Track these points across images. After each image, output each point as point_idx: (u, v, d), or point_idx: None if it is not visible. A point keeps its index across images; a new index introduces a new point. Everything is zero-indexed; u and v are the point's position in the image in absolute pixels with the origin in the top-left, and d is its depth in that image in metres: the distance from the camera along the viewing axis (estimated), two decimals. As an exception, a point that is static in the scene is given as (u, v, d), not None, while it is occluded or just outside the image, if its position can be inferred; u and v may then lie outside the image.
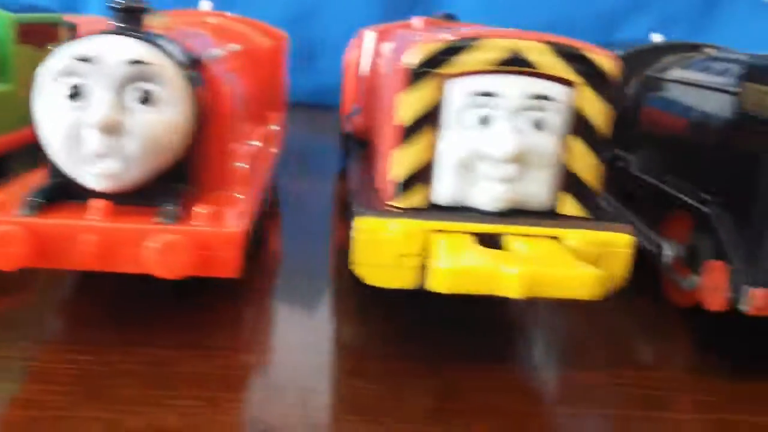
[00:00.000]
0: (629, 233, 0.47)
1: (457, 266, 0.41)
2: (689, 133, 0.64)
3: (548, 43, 0.46)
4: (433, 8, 1.50)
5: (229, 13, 0.83)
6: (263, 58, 0.75)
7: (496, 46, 0.46)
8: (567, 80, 0.46)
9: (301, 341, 0.53)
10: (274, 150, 0.77)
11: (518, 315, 0.60)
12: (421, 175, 0.47)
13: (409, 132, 0.47)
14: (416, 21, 0.61)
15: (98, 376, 0.46)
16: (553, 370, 0.52)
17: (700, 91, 0.65)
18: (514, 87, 0.46)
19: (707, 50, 0.76)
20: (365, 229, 0.46)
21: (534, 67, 0.46)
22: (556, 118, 0.47)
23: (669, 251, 0.60)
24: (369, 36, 0.72)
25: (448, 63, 0.46)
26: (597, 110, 0.47)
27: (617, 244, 0.47)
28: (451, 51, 0.46)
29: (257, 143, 0.66)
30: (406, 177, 0.47)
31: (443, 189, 0.48)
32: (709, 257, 0.54)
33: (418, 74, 0.46)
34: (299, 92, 1.40)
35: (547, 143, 0.47)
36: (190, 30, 0.66)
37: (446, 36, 0.46)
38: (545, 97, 0.46)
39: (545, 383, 0.50)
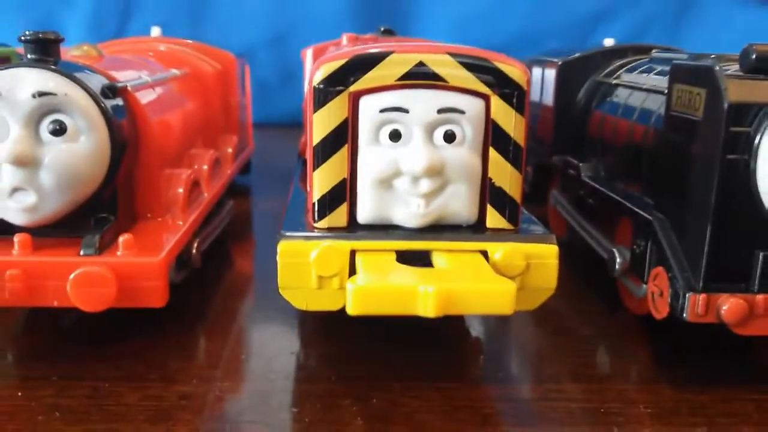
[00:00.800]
0: (555, 244, 0.46)
1: (369, 286, 0.40)
2: (632, 137, 0.63)
3: (455, 54, 0.45)
4: (406, 22, 1.50)
5: (177, 38, 0.83)
6: (209, 82, 0.75)
7: (403, 61, 0.45)
8: (478, 92, 0.46)
9: (245, 369, 0.52)
10: (227, 172, 0.76)
11: (471, 327, 0.59)
12: (342, 195, 0.47)
13: (325, 151, 0.46)
14: (345, 38, 0.60)
15: (31, 411, 0.45)
16: (500, 385, 0.51)
17: (641, 93, 0.64)
18: (423, 101, 0.45)
19: (656, 52, 0.75)
20: (286, 252, 0.45)
21: (442, 80, 0.45)
22: (470, 130, 0.46)
23: (620, 259, 0.59)
24: (308, 55, 0.72)
25: (355, 79, 0.45)
26: (510, 121, 0.46)
27: (544, 256, 0.46)
28: (355, 67, 0.45)
29: (203, 167, 0.66)
30: (326, 197, 0.47)
31: (365, 207, 0.47)
32: (655, 264, 0.53)
33: (324, 92, 0.45)
34: (287, 112, 1.40)
35: (463, 157, 0.46)
36: (125, 58, 0.65)
37: (351, 51, 0.45)
38: (456, 110, 0.45)
39: (490, 401, 0.49)
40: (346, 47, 0.53)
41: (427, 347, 0.55)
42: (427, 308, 0.40)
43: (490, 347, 0.57)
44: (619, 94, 0.70)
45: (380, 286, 0.40)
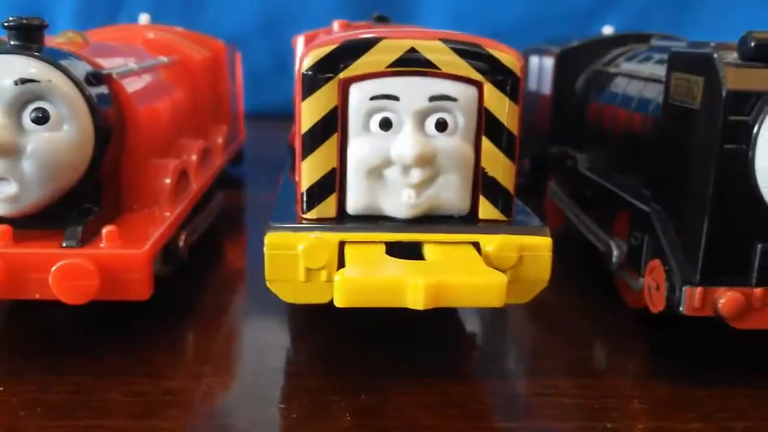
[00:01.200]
0: (547, 236, 0.45)
1: (357, 278, 0.39)
2: (630, 127, 0.62)
3: (448, 41, 0.44)
4: (404, 9, 1.48)
5: (166, 26, 0.81)
6: (198, 70, 0.73)
7: (394, 47, 0.44)
8: (471, 79, 0.44)
9: (234, 364, 0.51)
10: (216, 162, 0.75)
11: (465, 322, 0.58)
12: (332, 185, 0.45)
13: (314, 140, 0.45)
14: (336, 24, 0.59)
15: (14, 407, 0.44)
16: (494, 381, 0.50)
17: (639, 82, 0.63)
18: (415, 88, 0.44)
19: (655, 40, 0.74)
20: (274, 244, 0.44)
21: (434, 67, 0.44)
22: (462, 118, 0.44)
23: (616, 251, 0.58)
24: (299, 42, 0.71)
25: (345, 66, 0.44)
26: (504, 109, 0.45)
27: (537, 248, 0.45)
28: (345, 53, 0.44)
29: (192, 157, 0.65)
30: (315, 187, 0.45)
31: (355, 198, 0.46)
32: (652, 257, 0.52)
33: (313, 79, 0.44)
34: (283, 102, 1.37)
35: (455, 145, 0.44)
36: (111, 45, 0.64)
37: (341, 37, 0.44)
38: (448, 98, 0.44)
39: (482, 396, 0.48)
40: (336, 33, 0.51)
41: (420, 342, 0.54)
42: (417, 301, 0.39)
43: (484, 342, 0.56)
44: (617, 83, 0.68)
45: (368, 278, 0.39)
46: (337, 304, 0.40)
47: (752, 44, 0.46)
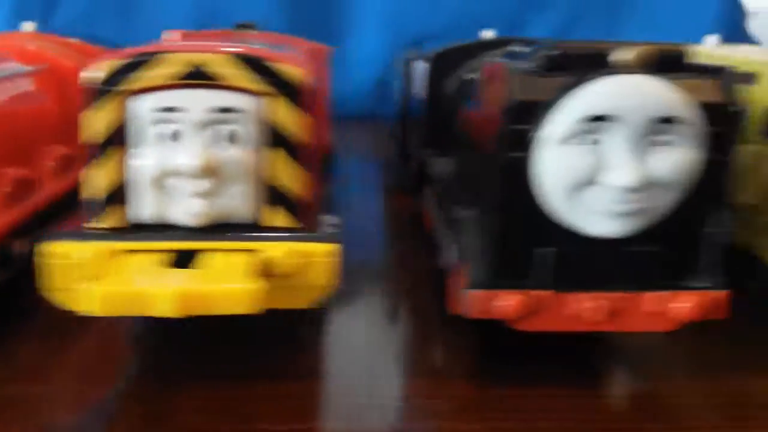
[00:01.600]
0: (332, 242, 0.46)
1: (107, 289, 0.41)
2: (471, 133, 0.63)
3: (231, 55, 0.45)
4: (337, 12, 1.49)
5: (51, 35, 0.83)
6: (71, 78, 0.74)
7: (177, 61, 0.45)
8: (258, 91, 0.46)
9: (64, 372, 0.51)
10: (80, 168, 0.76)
11: (305, 323, 0.58)
12: (118, 194, 0.46)
13: (100, 151, 0.46)
14: (168, 34, 0.60)
15: None
16: (321, 381, 0.51)
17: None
18: (198, 101, 0.45)
19: (512, 46, 0.74)
20: (52, 253, 0.45)
21: (220, 80, 0.45)
22: (247, 130, 0.46)
23: (443, 255, 0.59)
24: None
25: (130, 79, 0.45)
26: (291, 120, 0.46)
27: (318, 254, 0.46)
28: (131, 67, 0.45)
29: (45, 163, 0.66)
30: (100, 196, 0.47)
31: (141, 207, 0.47)
32: (457, 260, 0.53)
33: (98, 92, 0.45)
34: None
35: (240, 156, 0.46)
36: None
37: (128, 51, 0.46)
38: (232, 110, 0.45)
39: (314, 397, 0.49)
40: (137, 47, 0.53)
41: (255, 343, 0.54)
42: (167, 309, 0.40)
43: (317, 342, 0.57)
44: (474, 89, 0.69)
45: (119, 289, 0.41)
46: (95, 313, 0.41)
47: (552, 54, 0.47)
